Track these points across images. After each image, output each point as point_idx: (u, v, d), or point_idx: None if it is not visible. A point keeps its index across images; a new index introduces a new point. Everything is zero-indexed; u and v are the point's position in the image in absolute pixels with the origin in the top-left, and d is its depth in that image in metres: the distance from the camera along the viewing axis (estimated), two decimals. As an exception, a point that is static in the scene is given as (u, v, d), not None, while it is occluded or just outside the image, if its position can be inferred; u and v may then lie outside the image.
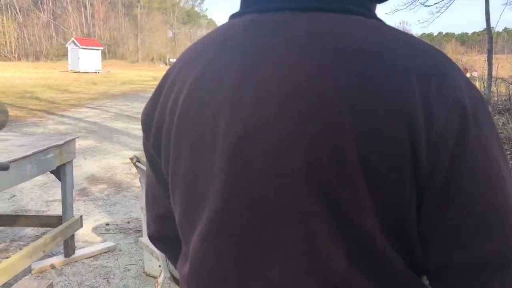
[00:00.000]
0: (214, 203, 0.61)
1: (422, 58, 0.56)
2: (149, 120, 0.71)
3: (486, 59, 9.26)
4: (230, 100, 0.59)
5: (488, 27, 9.09)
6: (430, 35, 75.35)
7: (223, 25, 0.68)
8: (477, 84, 10.39)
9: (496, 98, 9.35)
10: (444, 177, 0.53)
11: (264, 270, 0.59)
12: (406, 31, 0.66)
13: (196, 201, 0.64)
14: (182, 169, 0.65)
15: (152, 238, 0.84)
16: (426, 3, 11.42)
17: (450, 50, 42.47)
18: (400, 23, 53.86)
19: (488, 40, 9.21)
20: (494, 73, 9.20)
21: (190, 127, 0.63)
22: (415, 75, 0.54)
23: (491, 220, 0.55)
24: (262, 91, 0.57)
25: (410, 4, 11.63)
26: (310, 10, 0.60)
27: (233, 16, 0.67)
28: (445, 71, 0.56)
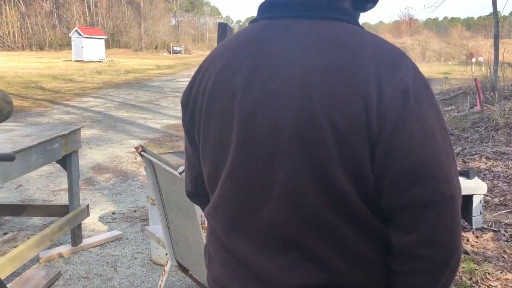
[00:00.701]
0: (231, 157, 0.85)
1: (382, 54, 0.78)
2: (185, 101, 0.95)
3: (493, 44, 9.16)
4: (243, 83, 0.82)
5: (495, 11, 8.97)
6: (435, 20, 74.55)
7: (243, 28, 0.92)
8: (483, 69, 10.30)
9: (502, 83, 9.26)
10: (388, 138, 0.74)
11: (261, 208, 0.83)
12: (380, 36, 0.86)
13: (221, 157, 0.87)
14: (211, 135, 0.89)
15: (190, 195, 1.10)
16: (432, -13, 11.26)
17: (456, 35, 42.05)
18: (405, 8, 53.31)
19: (494, 24, 9.10)
20: (500, 58, 9.10)
21: (216, 104, 0.86)
22: (374, 66, 0.75)
23: (423, 172, 0.75)
24: (266, 78, 0.80)
25: (416, -11, 11.47)
26: (306, 18, 0.83)
27: (251, 22, 0.91)
28: (397, 64, 0.77)
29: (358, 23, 0.86)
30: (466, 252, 3.31)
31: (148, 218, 3.58)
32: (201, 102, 0.89)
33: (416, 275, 0.80)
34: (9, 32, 49.89)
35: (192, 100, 0.93)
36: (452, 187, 0.76)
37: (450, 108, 9.34)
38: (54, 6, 53.92)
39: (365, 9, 0.91)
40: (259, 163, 0.81)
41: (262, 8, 0.88)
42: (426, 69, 24.83)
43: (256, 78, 0.81)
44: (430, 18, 74.35)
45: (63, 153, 3.11)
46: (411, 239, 0.77)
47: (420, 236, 0.77)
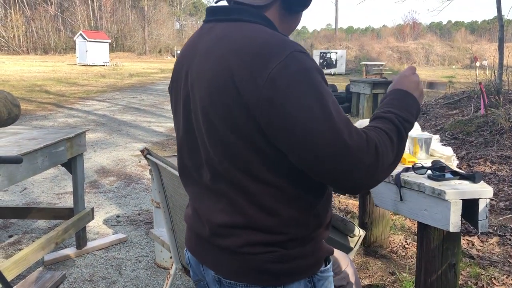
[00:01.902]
0: (181, 127, 1.16)
1: (260, 49, 0.95)
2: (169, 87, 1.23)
3: (497, 47, 9.13)
4: (185, 73, 1.11)
5: (499, 15, 8.95)
6: (439, 23, 74.41)
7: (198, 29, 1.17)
8: (487, 73, 10.25)
9: (507, 87, 9.22)
10: (266, 118, 0.93)
11: (201, 167, 1.12)
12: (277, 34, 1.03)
13: (177, 124, 1.18)
14: (173, 111, 1.22)
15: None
16: (436, -9, 11.24)
17: (460, 39, 41.91)
18: (409, 12, 53.15)
19: (499, 28, 9.07)
20: (505, 62, 9.07)
21: (175, 87, 1.18)
22: (248, 62, 0.94)
23: (298, 143, 0.93)
24: (196, 69, 1.06)
25: (420, -7, 11.46)
26: (224, 21, 1.06)
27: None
28: (270, 56, 0.93)
29: (263, 22, 1.04)
30: (472, 257, 3.29)
31: (152, 221, 3.58)
32: (171, 85, 1.22)
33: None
34: (14, 36, 50.12)
35: (170, 85, 1.23)
36: (335, 145, 0.92)
37: (454, 112, 9.31)
38: (59, 10, 54.16)
39: (290, 13, 1.11)
40: (193, 131, 1.11)
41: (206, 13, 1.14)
42: (430, 73, 24.78)
43: (189, 71, 1.08)
44: (434, 22, 74.21)
45: (68, 156, 3.12)
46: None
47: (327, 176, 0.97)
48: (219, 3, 1.13)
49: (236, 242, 1.05)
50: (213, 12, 1.10)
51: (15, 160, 1.62)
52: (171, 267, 2.52)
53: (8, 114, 1.46)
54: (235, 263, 1.07)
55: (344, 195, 4.57)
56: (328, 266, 1.14)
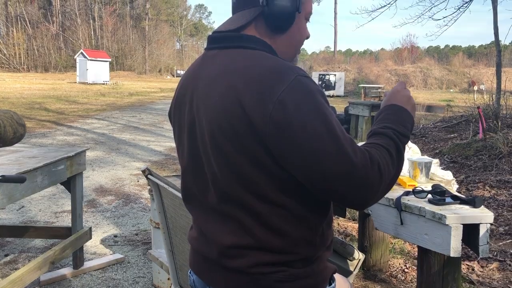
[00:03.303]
0: (185, 151, 1.18)
1: (265, 73, 0.99)
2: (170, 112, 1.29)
3: (495, 72, 9.23)
4: (189, 99, 1.14)
5: (497, 41, 9.07)
6: (437, 48, 75.18)
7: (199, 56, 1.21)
8: (485, 97, 10.33)
9: (505, 112, 9.29)
10: (274, 139, 0.96)
11: (207, 190, 1.13)
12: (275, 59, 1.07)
13: (181, 150, 1.21)
14: (176, 137, 1.24)
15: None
16: (434, 17, 11.42)
17: (457, 63, 42.34)
18: (407, 36, 53.90)
19: (496, 53, 9.19)
20: (502, 87, 9.15)
21: (178, 114, 1.21)
22: (257, 84, 0.98)
23: (306, 163, 0.96)
24: (202, 95, 1.09)
25: (418, 18, 11.64)
26: (226, 48, 1.10)
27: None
28: (277, 81, 0.97)
29: (262, 47, 1.09)
30: (472, 282, 3.26)
31: (150, 242, 3.55)
32: (171, 112, 1.26)
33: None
34: (15, 53, 50.46)
35: (170, 111, 1.28)
36: (342, 164, 0.96)
37: (452, 135, 9.34)
38: (61, 29, 54.67)
39: (277, 32, 1.13)
40: (199, 154, 1.12)
41: (207, 41, 1.19)
42: (428, 96, 24.97)
43: (193, 97, 1.11)
44: (432, 46, 75.05)
45: (68, 174, 3.11)
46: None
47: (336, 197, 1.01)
48: (219, 31, 1.16)
49: (246, 263, 1.06)
50: (215, 40, 1.14)
51: (18, 180, 1.62)
52: (169, 289, 2.48)
53: (13, 134, 1.47)
54: (244, 283, 1.08)
55: (344, 216, 4.55)
56: (333, 284, 1.17)
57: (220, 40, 1.13)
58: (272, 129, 0.96)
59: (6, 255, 3.74)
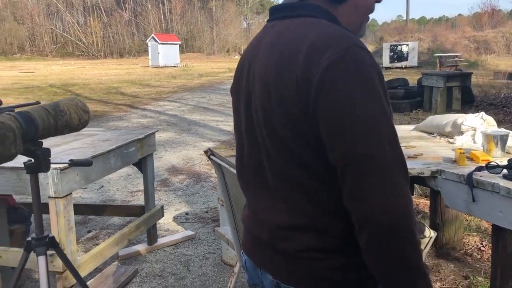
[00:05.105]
0: (242, 126, 1.16)
1: (318, 42, 0.94)
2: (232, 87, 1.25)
3: None
4: (247, 71, 1.12)
5: None
6: (521, 9, 69.29)
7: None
8: None
9: None
10: (314, 107, 0.92)
11: (261, 167, 1.09)
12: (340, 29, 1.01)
13: (238, 124, 1.20)
14: (237, 112, 1.20)
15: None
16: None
17: (545, 25, 38.68)
18: (487, -1, 50.09)
19: None
20: None
21: (237, 86, 1.18)
22: (307, 55, 0.94)
23: (337, 135, 0.90)
24: (258, 65, 1.07)
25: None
26: (286, 18, 1.07)
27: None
28: (326, 48, 0.92)
29: (327, 16, 1.04)
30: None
31: (219, 219, 3.66)
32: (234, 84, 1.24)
33: (358, 235, 0.93)
34: (93, 41, 53.28)
35: (233, 83, 1.26)
36: (366, 148, 0.88)
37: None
38: (133, 15, 56.77)
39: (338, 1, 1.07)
40: (253, 133, 1.10)
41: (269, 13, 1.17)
42: (511, 63, 23.16)
43: (251, 68, 1.10)
44: (515, 8, 69.31)
45: (139, 156, 3.26)
46: (344, 194, 0.93)
47: (347, 192, 0.91)
48: (282, 2, 1.13)
49: (297, 246, 1.02)
50: (275, 11, 1.12)
51: (86, 163, 1.73)
52: (236, 265, 2.56)
53: (79, 120, 1.56)
54: (294, 267, 1.03)
55: (412, 194, 4.39)
56: None
57: (280, 10, 1.10)
58: (315, 94, 0.92)
59: (88, 231, 4.02)
